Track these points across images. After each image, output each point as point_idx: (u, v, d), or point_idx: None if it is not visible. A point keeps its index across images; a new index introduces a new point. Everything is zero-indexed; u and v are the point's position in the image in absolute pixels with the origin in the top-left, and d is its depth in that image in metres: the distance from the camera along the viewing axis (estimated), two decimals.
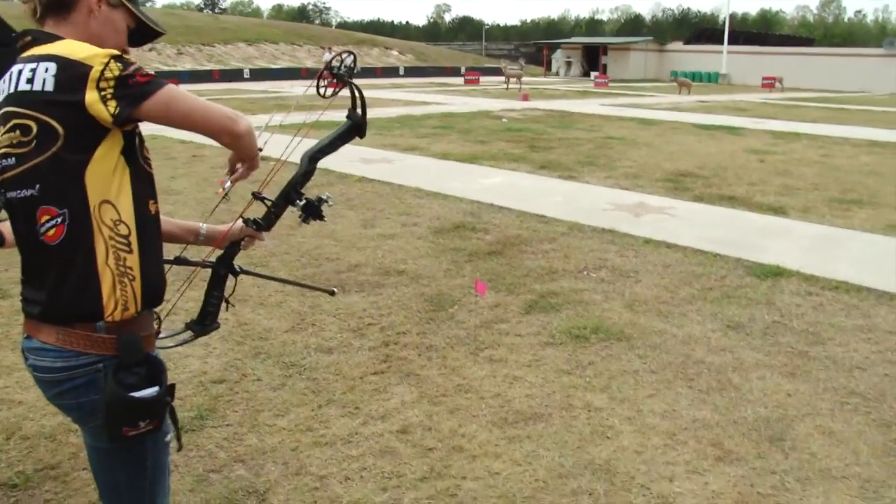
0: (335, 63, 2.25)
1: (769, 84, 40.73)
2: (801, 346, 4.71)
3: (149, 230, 1.85)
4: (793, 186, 10.29)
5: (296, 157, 2.28)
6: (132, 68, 1.70)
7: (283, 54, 54.24)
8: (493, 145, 14.08)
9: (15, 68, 1.74)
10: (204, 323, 2.23)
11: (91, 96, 1.65)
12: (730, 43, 50.99)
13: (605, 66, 54.09)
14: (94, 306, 1.77)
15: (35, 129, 1.68)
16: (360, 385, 4.14)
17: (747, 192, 9.74)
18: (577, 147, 13.99)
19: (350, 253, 6.63)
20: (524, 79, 36.66)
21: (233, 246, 2.23)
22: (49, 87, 1.67)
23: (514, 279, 5.94)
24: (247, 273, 2.32)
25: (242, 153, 1.93)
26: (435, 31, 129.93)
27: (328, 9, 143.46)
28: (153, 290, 1.87)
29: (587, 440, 3.58)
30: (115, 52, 1.72)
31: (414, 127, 17.04)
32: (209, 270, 2.22)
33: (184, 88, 1.84)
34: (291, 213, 2.24)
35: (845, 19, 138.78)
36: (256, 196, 2.19)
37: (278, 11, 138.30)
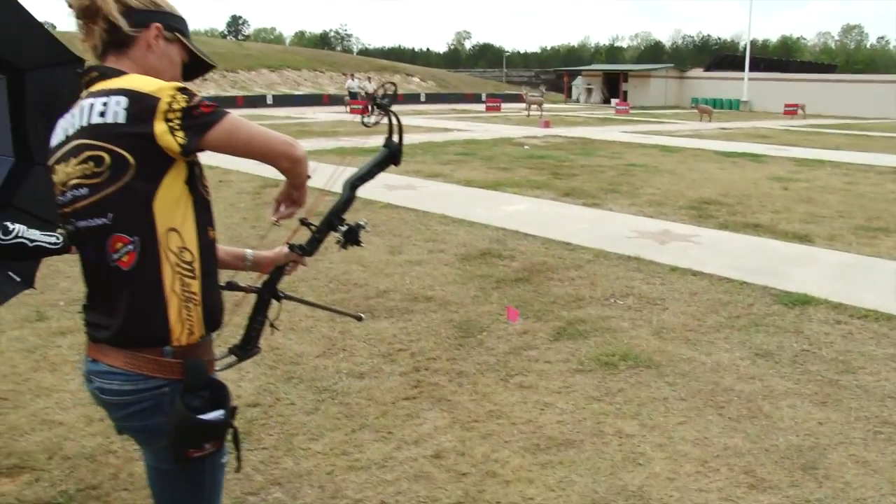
0: (379, 93, 2.32)
1: (791, 111, 40.65)
2: (831, 374, 4.72)
3: (209, 256, 1.92)
4: (817, 214, 10.28)
5: (337, 186, 2.34)
6: (196, 99, 1.77)
7: (305, 80, 54.84)
8: (516, 172, 14.17)
9: (86, 102, 1.81)
10: (247, 347, 2.30)
11: (160, 127, 1.72)
12: (750, 70, 50.98)
13: (625, 93, 54.23)
14: (161, 331, 1.83)
15: (108, 160, 1.75)
16: (392, 410, 4.19)
17: (772, 220, 9.74)
18: (599, 174, 14.05)
19: (378, 279, 6.71)
20: (545, 105, 36.82)
21: (277, 271, 2.30)
22: (121, 119, 1.74)
23: (542, 306, 5.98)
24: (289, 298, 2.39)
25: (296, 179, 1.99)
26: (455, 58, 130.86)
27: (350, 35, 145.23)
28: (214, 315, 1.95)
29: (619, 467, 3.61)
30: (181, 84, 1.80)
31: (437, 154, 17.17)
32: (252, 295, 2.29)
33: (242, 116, 1.92)
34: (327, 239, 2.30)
35: (867, 45, 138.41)
36: (304, 222, 2.26)
37: (300, 38, 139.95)
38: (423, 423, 4.05)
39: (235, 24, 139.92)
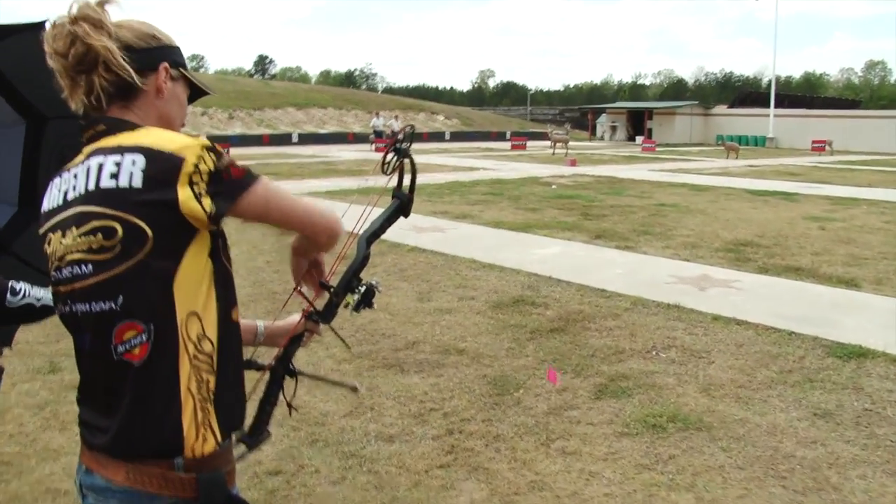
0: (400, 137, 2.05)
1: (819, 147, 40.15)
2: None
3: (232, 344, 1.64)
4: (859, 256, 9.90)
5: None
6: (226, 160, 1.52)
7: (330, 119, 55.10)
8: (545, 213, 13.89)
9: (93, 161, 1.53)
10: (257, 434, 2.01)
11: (184, 193, 1.46)
12: (775, 106, 50.60)
13: (650, 131, 53.91)
14: (173, 439, 1.53)
15: (120, 233, 1.47)
16: (425, 480, 3.88)
17: (812, 263, 9.38)
18: (630, 215, 13.74)
19: (406, 328, 6.42)
20: (570, 143, 36.62)
21: (293, 343, 2.01)
22: (137, 183, 1.47)
23: (580, 359, 5.67)
24: (306, 375, 2.10)
25: (324, 254, 1.76)
26: (479, 96, 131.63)
27: (374, 74, 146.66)
28: (233, 415, 1.65)
29: None
30: (208, 142, 1.53)
31: (464, 194, 16.95)
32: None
33: (274, 183, 1.65)
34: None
35: (891, 81, 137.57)
36: (323, 285, 1.97)
37: (326, 77, 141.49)
38: (458, 494, 3.74)
39: (262, 63, 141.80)
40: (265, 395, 1.98)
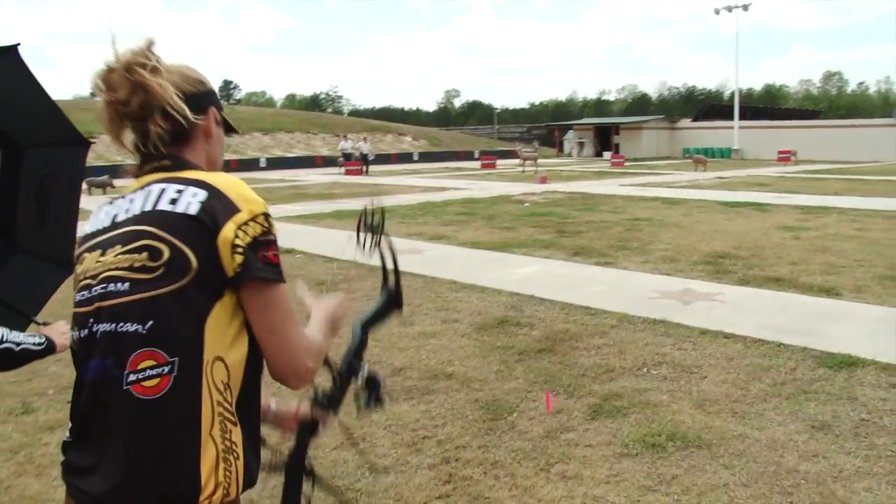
0: (366, 220, 2.01)
1: (785, 158, 40.72)
2: None
3: (255, 401, 1.57)
4: (836, 264, 9.94)
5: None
6: (272, 237, 1.50)
7: (298, 143, 54.91)
8: (521, 231, 13.85)
9: (155, 187, 1.53)
10: None
11: (226, 233, 1.45)
12: (738, 118, 51.26)
13: (617, 146, 54.38)
14: (189, 487, 1.42)
15: (167, 255, 1.44)
16: None
17: (791, 273, 9.40)
18: (606, 230, 13.74)
19: (392, 354, 6.30)
20: (539, 161, 36.75)
21: (305, 433, 1.87)
22: (192, 211, 1.46)
23: (571, 380, 5.58)
24: (322, 488, 1.97)
25: (283, 382, 1.62)
26: (445, 116, 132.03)
27: (340, 97, 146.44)
28: (253, 472, 1.54)
29: None
30: (268, 210, 1.54)
31: (437, 214, 16.88)
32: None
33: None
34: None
35: (848, 91, 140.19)
36: (328, 364, 1.85)
37: (291, 101, 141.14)
38: None
39: (227, 88, 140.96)
40: (285, 497, 1.85)
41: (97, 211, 1.61)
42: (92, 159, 41.84)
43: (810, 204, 17.79)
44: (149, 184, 1.55)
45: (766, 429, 4.64)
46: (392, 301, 2.02)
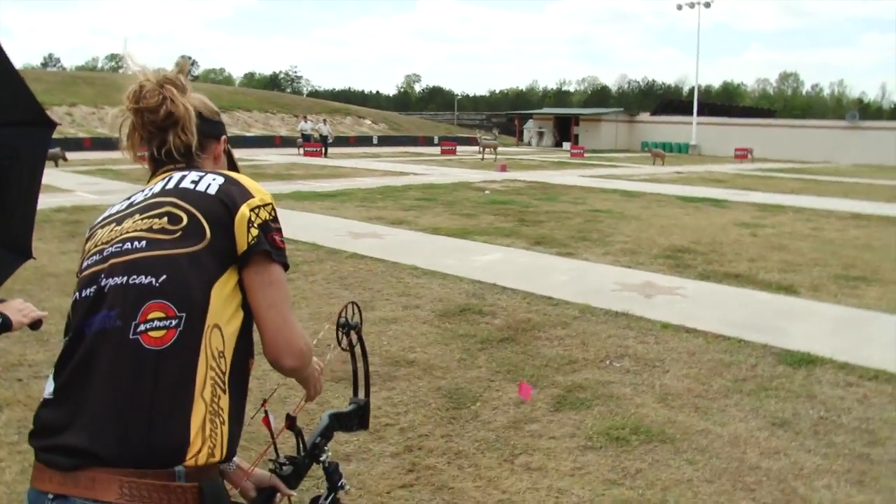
0: (343, 318, 2.08)
1: (742, 155, 41.26)
2: (858, 447, 4.35)
3: (242, 382, 1.61)
4: (793, 262, 10.07)
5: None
6: (279, 225, 1.67)
7: (256, 122, 54.17)
8: (482, 219, 13.80)
9: (175, 174, 1.69)
10: None
11: (243, 212, 1.59)
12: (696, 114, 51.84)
13: (576, 137, 54.62)
14: (178, 444, 1.44)
15: (185, 221, 1.57)
16: (388, 502, 3.69)
17: (750, 269, 9.49)
18: (566, 220, 13.75)
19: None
20: (499, 149, 36.75)
21: (262, 499, 1.87)
22: (212, 191, 1.62)
23: (534, 370, 5.55)
24: None
25: (285, 372, 1.69)
26: (405, 101, 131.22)
27: (300, 77, 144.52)
28: (234, 445, 1.56)
29: None
30: (274, 201, 1.70)
31: (397, 199, 16.76)
32: None
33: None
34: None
35: (803, 92, 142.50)
36: (291, 423, 1.91)
37: (250, 79, 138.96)
38: None
39: None
40: None
41: (114, 205, 1.74)
42: None
43: (766, 202, 18.03)
44: (166, 175, 1.70)
45: (728, 424, 4.65)
46: (360, 419, 2.08)
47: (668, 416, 4.77)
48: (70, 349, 1.52)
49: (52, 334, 5.96)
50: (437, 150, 43.28)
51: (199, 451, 1.45)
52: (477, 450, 4.27)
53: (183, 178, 1.66)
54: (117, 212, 1.68)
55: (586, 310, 7.21)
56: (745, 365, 5.74)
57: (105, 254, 1.57)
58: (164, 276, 1.50)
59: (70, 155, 27.12)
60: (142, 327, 1.46)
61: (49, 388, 1.53)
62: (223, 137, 1.88)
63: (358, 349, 2.09)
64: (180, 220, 1.56)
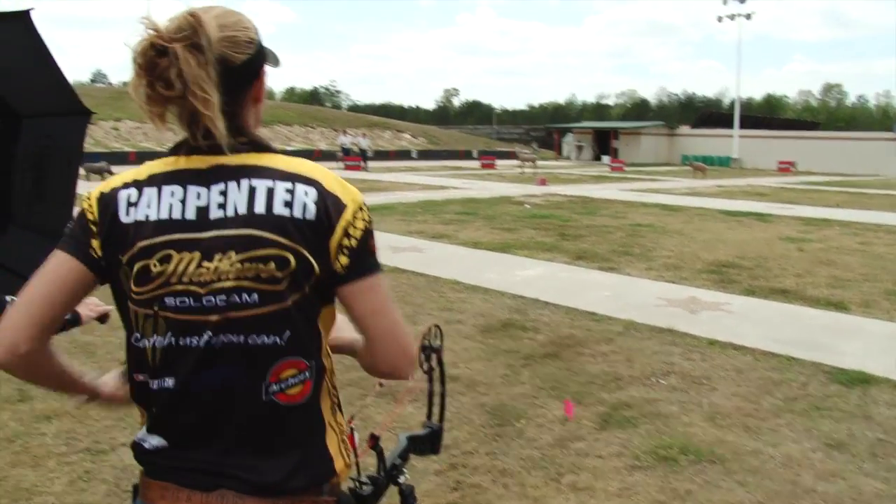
0: (426, 341, 1.98)
1: (785, 168, 40.68)
2: None
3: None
4: (842, 278, 9.85)
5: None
6: (372, 226, 1.48)
7: (296, 136, 54.66)
8: (522, 233, 13.73)
9: (259, 183, 1.40)
10: None
11: (337, 236, 1.41)
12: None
13: (615, 150, 54.28)
14: (325, 467, 1.49)
15: (293, 264, 1.38)
16: None
17: (797, 285, 9.30)
18: (607, 235, 13.63)
19: None
20: (538, 162, 36.65)
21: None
22: (310, 214, 1.39)
23: (579, 387, 5.46)
24: None
25: (384, 377, 1.61)
26: (444, 115, 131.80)
27: (339, 92, 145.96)
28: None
29: None
30: (363, 198, 1.49)
31: (437, 213, 16.75)
32: None
33: None
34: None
35: (848, 104, 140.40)
36: (374, 443, 1.88)
37: (291, 94, 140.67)
38: None
39: None
40: None
41: (157, 192, 1.42)
42: (90, 145, 41.45)
43: (812, 215, 17.72)
44: (232, 171, 1.41)
45: (780, 445, 4.53)
46: (433, 443, 2.06)
47: (718, 435, 4.66)
48: (173, 405, 1.44)
49: (98, 346, 6.02)
50: (477, 164, 43.25)
51: (342, 467, 1.52)
52: (522, 468, 4.19)
53: (271, 193, 1.39)
54: (188, 224, 1.40)
55: (630, 326, 7.10)
56: (796, 383, 5.60)
57: (206, 304, 1.39)
58: (288, 333, 1.41)
59: (116, 168, 27.47)
60: (274, 388, 1.42)
61: (154, 441, 1.47)
62: (262, 71, 1.52)
63: (437, 373, 2.04)
64: (287, 263, 1.38)
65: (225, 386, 1.41)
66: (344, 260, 1.41)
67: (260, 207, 1.38)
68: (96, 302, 2.29)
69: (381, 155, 47.27)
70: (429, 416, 2.06)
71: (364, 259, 1.44)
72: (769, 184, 31.17)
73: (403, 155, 51.59)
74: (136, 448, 1.51)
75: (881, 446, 4.53)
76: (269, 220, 1.37)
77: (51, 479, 3.99)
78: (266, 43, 1.55)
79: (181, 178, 1.43)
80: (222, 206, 1.39)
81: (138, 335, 1.45)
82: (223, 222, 1.39)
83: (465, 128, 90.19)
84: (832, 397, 5.33)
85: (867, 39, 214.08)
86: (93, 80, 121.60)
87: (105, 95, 53.96)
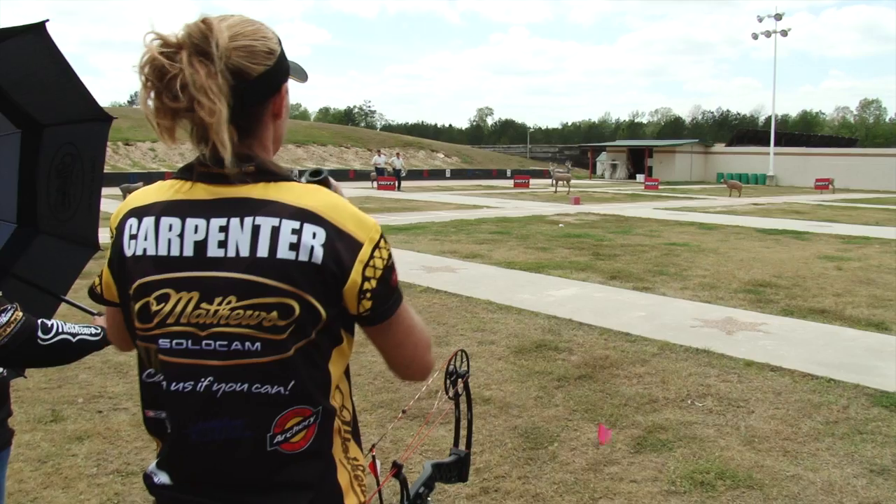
0: (451, 366, 2.06)
1: (823, 185, 40.13)
2: None
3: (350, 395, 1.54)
4: (882, 297, 9.65)
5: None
6: (392, 261, 1.41)
7: (330, 156, 55.10)
8: (556, 252, 13.66)
9: (264, 222, 1.32)
10: None
11: (354, 278, 1.34)
12: (773, 144, 50.71)
13: (650, 169, 53.97)
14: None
15: (298, 312, 1.32)
16: None
17: (836, 305, 9.12)
18: (642, 254, 13.51)
19: (434, 376, 6.13)
20: (571, 181, 36.55)
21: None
22: (317, 259, 1.32)
23: (613, 409, 5.39)
24: None
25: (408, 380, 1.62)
26: (478, 134, 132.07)
27: (373, 112, 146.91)
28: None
29: None
30: (380, 228, 1.41)
31: (471, 232, 16.74)
32: None
33: None
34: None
35: (886, 119, 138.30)
36: (397, 471, 1.88)
37: (325, 114, 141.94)
38: None
39: None
40: None
41: (153, 223, 1.38)
42: (128, 166, 42.05)
43: (850, 233, 17.43)
44: (235, 205, 1.34)
45: (820, 470, 4.42)
46: (460, 471, 2.08)
47: (756, 459, 4.56)
48: (176, 454, 1.42)
49: (131, 366, 6.06)
50: (510, 182, 43.24)
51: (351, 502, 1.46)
52: (555, 493, 4.13)
53: (276, 234, 1.31)
54: (185, 261, 1.35)
55: (665, 346, 7.01)
56: (837, 406, 5.48)
57: (206, 347, 1.34)
58: (293, 383, 1.35)
59: None
60: (279, 438, 1.37)
61: (162, 477, 1.45)
62: (284, 86, 1.44)
63: (463, 398, 2.03)
64: (292, 311, 1.30)
65: (228, 439, 1.36)
66: (367, 304, 1.37)
67: (263, 250, 1.31)
68: None
69: (415, 174, 47.45)
70: (456, 442, 2.04)
71: (387, 298, 1.39)
72: (806, 201, 30.76)
73: (437, 174, 51.74)
74: (146, 480, 1.49)
75: None
76: (273, 266, 1.30)
77: (81, 500, 4.00)
78: (301, 64, 1.51)
79: (181, 209, 1.37)
80: (223, 244, 1.32)
81: (152, 371, 1.43)
82: (223, 262, 1.33)
83: (498, 147, 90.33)
84: (874, 421, 5.20)
85: None
86: (130, 102, 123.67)
87: (142, 117, 54.81)
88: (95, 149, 2.65)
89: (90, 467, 4.39)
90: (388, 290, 1.39)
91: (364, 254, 1.35)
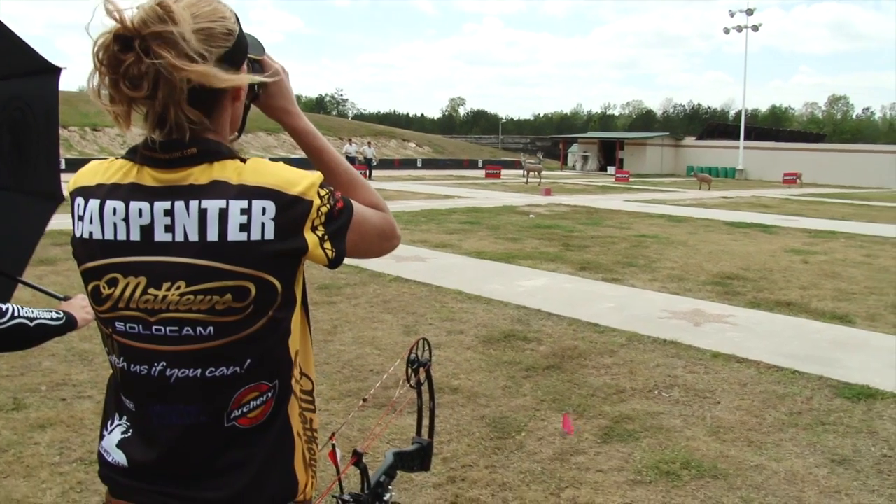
0: (413, 354, 1.99)
1: (791, 180, 40.59)
2: None
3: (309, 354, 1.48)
4: (847, 291, 9.78)
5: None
6: (337, 194, 1.36)
7: None
8: (526, 243, 13.68)
9: (211, 204, 1.26)
10: None
11: (311, 240, 1.31)
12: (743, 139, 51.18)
13: (621, 161, 54.23)
14: (287, 488, 1.40)
15: (254, 293, 1.28)
16: None
17: (802, 298, 9.23)
18: (612, 245, 13.57)
19: (395, 363, 6.11)
20: (543, 172, 36.63)
21: None
22: (269, 234, 1.27)
23: (581, 399, 5.41)
24: None
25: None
26: (450, 124, 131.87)
27: (345, 100, 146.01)
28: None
29: None
30: (319, 175, 1.35)
31: (441, 222, 16.72)
32: None
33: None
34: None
35: (853, 116, 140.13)
36: (357, 459, 1.85)
37: (297, 102, 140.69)
38: None
39: None
40: None
41: (98, 206, 1.33)
42: (95, 151, 41.39)
43: (817, 228, 17.65)
44: (181, 190, 1.28)
45: (784, 460, 4.47)
46: (422, 459, 2.03)
47: (721, 449, 4.60)
48: (137, 434, 1.39)
49: (96, 353, 5.98)
50: (482, 173, 43.26)
51: (307, 486, 1.43)
52: (522, 482, 4.14)
53: (225, 218, 1.26)
54: (131, 245, 1.31)
55: (633, 338, 7.04)
56: (801, 397, 5.54)
57: (156, 332, 1.30)
58: (249, 361, 1.31)
59: None
60: (236, 413, 1.33)
61: (117, 456, 1.41)
62: (244, 66, 1.38)
63: (426, 387, 2.00)
64: (248, 293, 1.26)
65: (183, 425, 1.33)
66: (329, 246, 1.33)
67: (213, 234, 1.25)
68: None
69: (386, 163, 47.31)
70: (418, 431, 2.03)
71: (338, 226, 1.36)
72: (774, 195, 31.10)
73: (408, 164, 51.58)
74: (100, 457, 1.45)
75: (886, 462, 4.46)
76: (225, 249, 1.25)
77: (43, 489, 3.94)
78: (274, 51, 1.47)
79: (124, 192, 1.32)
80: (170, 228, 1.27)
81: (107, 349, 1.42)
82: (171, 247, 1.28)
83: (470, 137, 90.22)
84: (837, 412, 5.27)
85: (873, 52, 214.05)
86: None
87: None
88: (48, 101, 2.57)
89: (53, 455, 4.32)
90: (335, 222, 1.34)
91: (312, 211, 1.30)
